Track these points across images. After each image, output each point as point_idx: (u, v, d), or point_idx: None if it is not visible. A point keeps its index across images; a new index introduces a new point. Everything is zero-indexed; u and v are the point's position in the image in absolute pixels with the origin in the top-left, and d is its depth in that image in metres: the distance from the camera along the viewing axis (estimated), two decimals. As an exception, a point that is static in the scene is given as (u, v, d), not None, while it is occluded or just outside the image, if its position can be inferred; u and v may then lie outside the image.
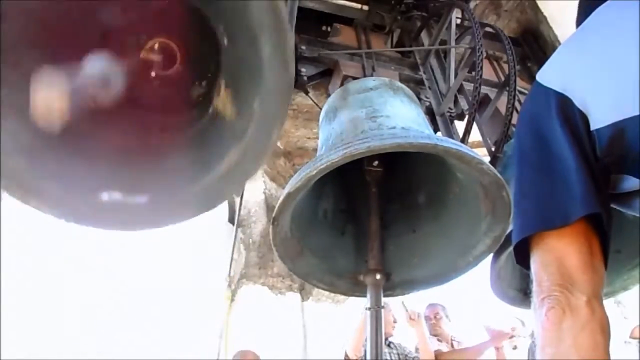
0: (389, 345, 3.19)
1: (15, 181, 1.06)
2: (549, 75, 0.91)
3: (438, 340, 3.40)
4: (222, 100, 1.22)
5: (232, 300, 3.97)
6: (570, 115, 0.82)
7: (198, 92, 1.32)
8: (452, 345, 3.43)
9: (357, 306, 3.32)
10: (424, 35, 2.47)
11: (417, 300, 3.51)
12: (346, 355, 3.14)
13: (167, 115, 1.31)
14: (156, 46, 1.27)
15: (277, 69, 1.00)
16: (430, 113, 2.12)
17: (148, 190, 1.18)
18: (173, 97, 1.32)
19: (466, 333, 3.63)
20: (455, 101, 2.16)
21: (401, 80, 1.99)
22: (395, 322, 3.27)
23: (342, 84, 2.00)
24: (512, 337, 3.34)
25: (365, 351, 3.14)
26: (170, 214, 1.19)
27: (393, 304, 3.21)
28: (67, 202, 1.09)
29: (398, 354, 3.20)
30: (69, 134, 1.08)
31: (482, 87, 1.92)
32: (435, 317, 3.50)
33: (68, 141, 1.11)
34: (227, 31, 1.16)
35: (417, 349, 3.25)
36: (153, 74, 1.30)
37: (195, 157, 1.21)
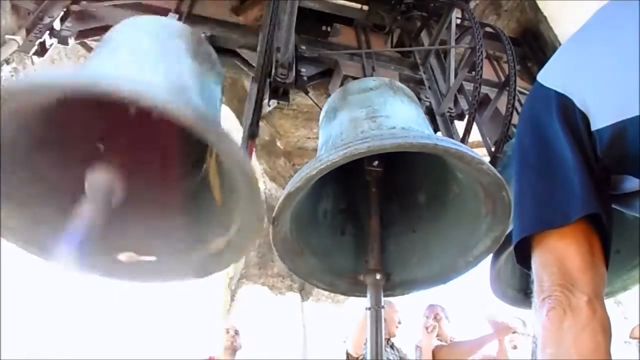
0: (391, 347, 3.19)
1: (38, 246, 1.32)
2: (550, 75, 0.91)
3: (438, 340, 3.41)
4: (213, 180, 1.42)
5: (232, 300, 3.97)
6: (570, 115, 0.82)
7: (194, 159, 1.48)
8: None
9: (357, 306, 3.33)
10: (424, 35, 2.47)
11: (418, 299, 3.52)
12: (347, 352, 3.15)
13: (166, 186, 1.47)
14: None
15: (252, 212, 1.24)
16: (430, 113, 2.12)
17: (155, 253, 1.40)
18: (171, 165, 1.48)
19: (466, 333, 3.63)
20: (455, 101, 2.16)
21: (401, 80, 1.99)
22: (399, 323, 3.27)
23: (342, 84, 2.00)
24: (514, 332, 3.34)
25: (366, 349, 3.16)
26: (174, 275, 1.45)
27: (401, 305, 3.23)
28: (88, 261, 1.29)
29: (400, 357, 3.21)
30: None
31: (482, 87, 1.91)
32: (435, 317, 3.50)
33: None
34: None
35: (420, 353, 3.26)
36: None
37: (190, 233, 1.41)
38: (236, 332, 3.42)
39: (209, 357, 3.40)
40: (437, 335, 3.43)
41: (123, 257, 1.36)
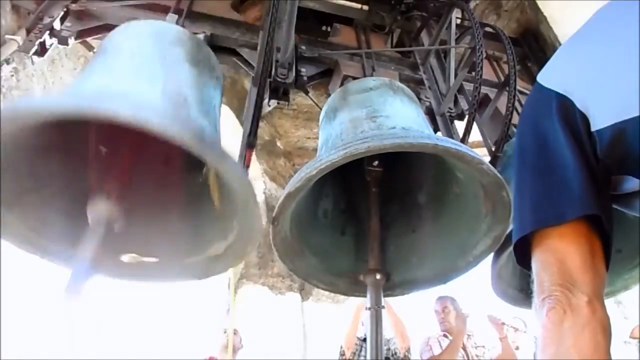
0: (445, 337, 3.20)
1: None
2: (550, 76, 0.91)
3: (445, 336, 3.36)
4: (212, 184, 1.44)
5: (232, 300, 3.97)
6: (570, 116, 0.82)
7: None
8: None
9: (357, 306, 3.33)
10: (424, 35, 2.47)
11: (417, 298, 3.51)
12: (342, 349, 3.15)
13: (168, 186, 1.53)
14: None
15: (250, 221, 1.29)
16: (430, 113, 2.12)
17: (156, 255, 1.44)
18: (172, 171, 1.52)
19: (476, 325, 3.60)
20: (455, 101, 2.16)
21: (401, 80, 1.99)
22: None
23: (342, 84, 2.00)
24: (503, 323, 3.33)
25: (357, 346, 3.16)
26: (174, 276, 1.51)
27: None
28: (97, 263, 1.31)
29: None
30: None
31: (482, 87, 1.91)
32: (444, 310, 3.42)
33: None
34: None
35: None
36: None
37: (190, 237, 1.45)
38: (235, 332, 3.42)
39: (209, 357, 3.40)
40: (447, 330, 3.36)
41: (126, 258, 1.39)
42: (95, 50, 2.11)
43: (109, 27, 2.04)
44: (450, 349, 3.18)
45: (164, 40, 1.51)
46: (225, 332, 3.41)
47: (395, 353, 3.22)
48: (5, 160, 1.14)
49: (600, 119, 0.79)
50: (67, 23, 2.01)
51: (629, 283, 1.78)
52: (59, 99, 1.08)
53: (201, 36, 1.95)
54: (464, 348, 3.34)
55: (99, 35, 2.09)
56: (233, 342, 3.33)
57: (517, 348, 3.41)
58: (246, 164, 1.55)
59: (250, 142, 1.57)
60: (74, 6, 2.00)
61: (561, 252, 0.78)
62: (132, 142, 1.34)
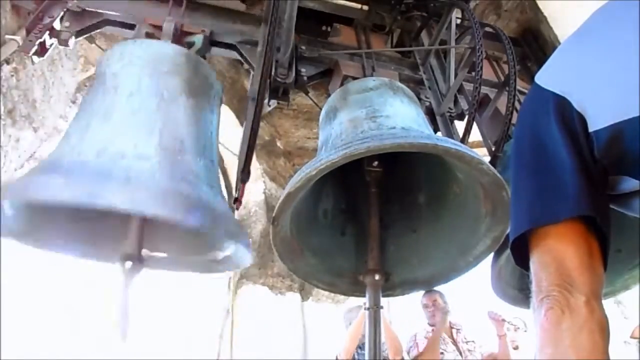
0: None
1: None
2: (547, 77, 0.91)
3: (431, 327, 3.37)
4: None
5: (232, 300, 3.97)
6: (568, 117, 0.82)
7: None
8: (451, 334, 3.38)
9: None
10: (424, 35, 2.47)
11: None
12: (337, 358, 3.15)
13: None
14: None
15: None
16: (430, 113, 2.12)
17: (165, 251, 1.60)
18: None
19: (466, 319, 3.59)
20: (455, 101, 2.16)
21: (401, 80, 1.99)
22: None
23: (342, 84, 2.00)
24: (503, 320, 3.34)
25: (355, 355, 3.16)
26: (183, 267, 1.65)
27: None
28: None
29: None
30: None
31: (482, 87, 1.91)
32: (433, 304, 3.40)
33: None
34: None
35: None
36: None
37: (195, 243, 1.56)
38: None
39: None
40: (432, 324, 3.38)
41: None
42: (95, 62, 2.12)
43: (107, 22, 2.04)
44: (430, 344, 3.18)
45: (161, 68, 1.54)
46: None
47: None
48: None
49: (597, 120, 0.79)
50: (65, 23, 2.00)
51: (629, 283, 1.79)
52: (55, 191, 1.14)
53: (200, 37, 1.95)
54: (455, 343, 3.33)
55: (99, 30, 2.08)
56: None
57: (516, 347, 3.40)
58: (239, 199, 1.60)
59: (243, 177, 1.60)
60: (70, 4, 1.99)
61: (559, 252, 0.78)
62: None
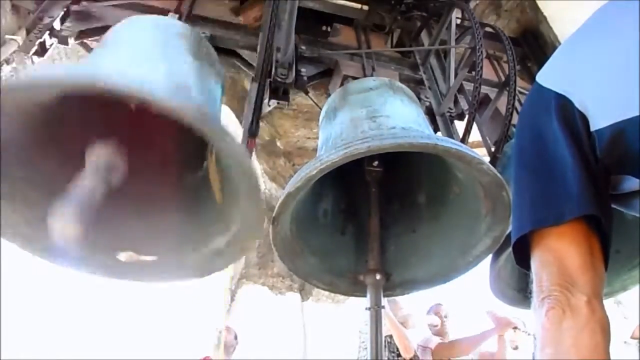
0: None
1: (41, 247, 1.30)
2: (549, 76, 0.91)
3: (441, 340, 3.41)
4: (213, 178, 1.41)
5: (232, 300, 3.97)
6: (569, 116, 0.82)
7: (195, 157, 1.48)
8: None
9: (357, 306, 3.33)
10: (424, 35, 2.47)
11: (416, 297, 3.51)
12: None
13: (165, 179, 1.48)
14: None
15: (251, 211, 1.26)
16: (430, 113, 2.12)
17: (155, 252, 1.40)
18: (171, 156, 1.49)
19: (467, 330, 3.62)
20: (455, 101, 2.16)
21: (401, 80, 1.99)
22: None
23: (342, 84, 2.00)
24: (515, 328, 3.33)
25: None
26: (174, 274, 1.45)
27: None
28: (93, 262, 1.33)
29: None
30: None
31: (482, 87, 1.91)
32: (439, 317, 3.50)
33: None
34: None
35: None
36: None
37: (190, 232, 1.41)
38: (227, 329, 3.40)
39: (204, 358, 3.39)
40: (439, 335, 3.43)
41: (123, 256, 1.35)
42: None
43: (108, 29, 2.05)
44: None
45: (167, 32, 1.51)
46: (218, 331, 3.39)
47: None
48: (5, 141, 1.11)
49: (599, 119, 0.79)
50: (67, 23, 2.01)
51: (627, 284, 1.79)
52: (62, 70, 1.06)
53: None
54: None
55: (98, 37, 2.09)
56: (226, 340, 3.31)
57: (516, 347, 3.41)
58: (249, 149, 1.55)
59: (252, 130, 1.57)
60: (74, 7, 2.00)
61: (560, 252, 0.78)
62: (131, 130, 1.30)
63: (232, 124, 3.32)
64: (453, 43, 2.15)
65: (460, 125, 2.05)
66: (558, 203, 0.81)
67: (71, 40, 2.03)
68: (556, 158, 0.82)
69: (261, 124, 1.92)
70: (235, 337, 3.45)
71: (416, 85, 2.26)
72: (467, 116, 1.96)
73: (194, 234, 1.41)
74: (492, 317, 3.27)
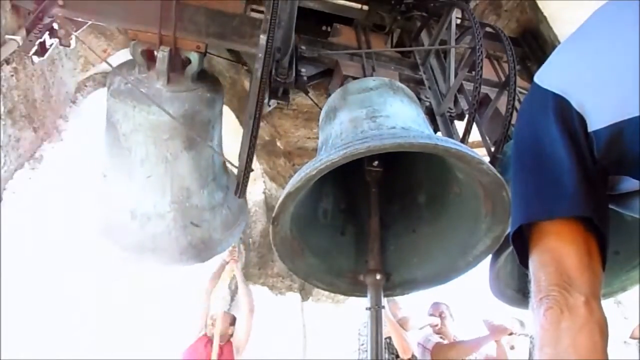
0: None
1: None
2: (547, 76, 0.91)
3: (441, 338, 3.41)
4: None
5: (232, 300, 3.97)
6: (567, 116, 0.82)
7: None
8: None
9: (357, 306, 3.32)
10: (424, 35, 2.46)
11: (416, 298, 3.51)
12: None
13: None
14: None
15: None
16: (430, 113, 2.12)
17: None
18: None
19: (468, 331, 3.63)
20: (455, 101, 2.15)
21: (401, 80, 1.99)
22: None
23: (342, 84, 2.00)
24: (511, 333, 3.34)
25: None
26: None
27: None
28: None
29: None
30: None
31: (482, 87, 1.91)
32: (440, 315, 3.50)
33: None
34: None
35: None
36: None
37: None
38: (225, 315, 3.43)
39: (202, 335, 3.41)
40: (440, 334, 3.43)
41: None
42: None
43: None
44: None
45: (162, 136, 1.87)
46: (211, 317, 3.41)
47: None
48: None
49: (597, 120, 0.79)
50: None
51: (626, 284, 1.79)
52: None
53: (196, 55, 1.96)
54: None
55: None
56: (222, 328, 3.32)
57: (512, 348, 3.42)
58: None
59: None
60: (56, 11, 1.95)
61: (558, 252, 0.78)
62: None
63: (232, 124, 3.32)
64: (453, 43, 2.15)
65: (460, 125, 2.04)
66: (549, 199, 0.81)
67: (71, 41, 2.03)
68: (553, 158, 0.82)
69: (261, 124, 1.92)
70: (232, 324, 3.45)
71: (416, 85, 2.25)
72: (467, 116, 1.96)
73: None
74: (488, 325, 3.28)
